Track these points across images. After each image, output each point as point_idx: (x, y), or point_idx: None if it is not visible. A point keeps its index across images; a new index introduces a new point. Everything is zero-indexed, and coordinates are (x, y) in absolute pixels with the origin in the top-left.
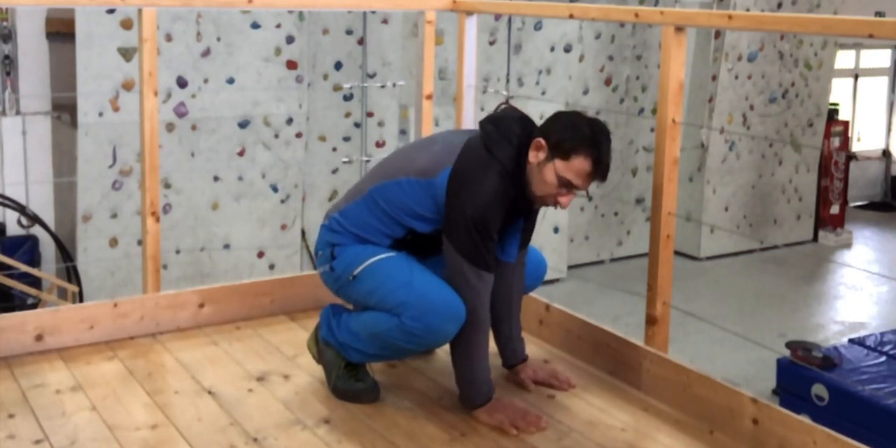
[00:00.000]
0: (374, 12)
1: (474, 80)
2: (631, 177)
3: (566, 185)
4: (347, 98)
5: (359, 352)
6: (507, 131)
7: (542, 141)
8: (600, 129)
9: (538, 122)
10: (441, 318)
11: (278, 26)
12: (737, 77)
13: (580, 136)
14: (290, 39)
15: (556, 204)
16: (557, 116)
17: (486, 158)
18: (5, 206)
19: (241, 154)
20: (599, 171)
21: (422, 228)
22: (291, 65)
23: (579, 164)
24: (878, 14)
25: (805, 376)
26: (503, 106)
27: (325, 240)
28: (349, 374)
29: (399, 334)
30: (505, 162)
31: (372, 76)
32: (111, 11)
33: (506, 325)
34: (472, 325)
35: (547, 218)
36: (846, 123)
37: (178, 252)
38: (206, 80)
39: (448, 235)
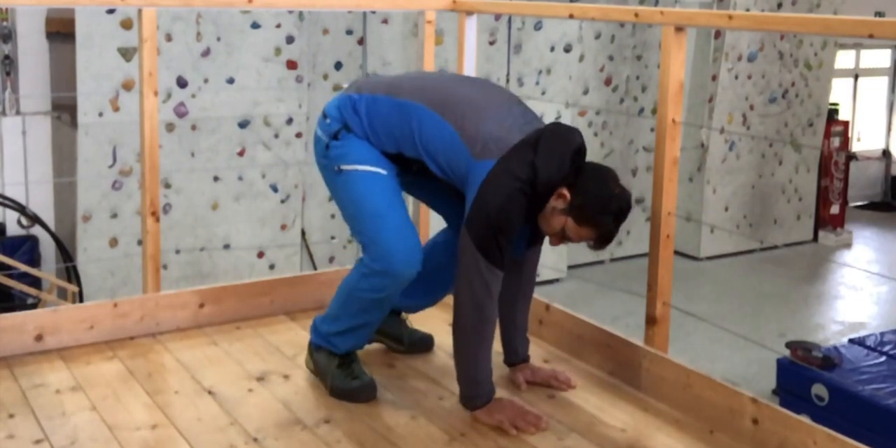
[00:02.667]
0: (374, 12)
1: None
2: (631, 177)
3: (564, 238)
4: None
5: (340, 335)
6: (562, 160)
7: (567, 194)
8: (624, 208)
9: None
10: (400, 264)
11: (278, 26)
12: (737, 77)
13: (603, 212)
14: (290, 39)
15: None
16: (594, 177)
17: (528, 168)
18: (5, 206)
19: (241, 154)
20: (601, 244)
21: (432, 168)
22: (291, 65)
23: (586, 233)
24: (878, 14)
25: (805, 376)
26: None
27: (342, 112)
28: (344, 373)
29: (364, 283)
30: (542, 182)
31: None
32: (111, 11)
33: (510, 321)
34: (480, 323)
35: None
36: (846, 123)
37: (178, 252)
38: (206, 80)
39: (469, 229)
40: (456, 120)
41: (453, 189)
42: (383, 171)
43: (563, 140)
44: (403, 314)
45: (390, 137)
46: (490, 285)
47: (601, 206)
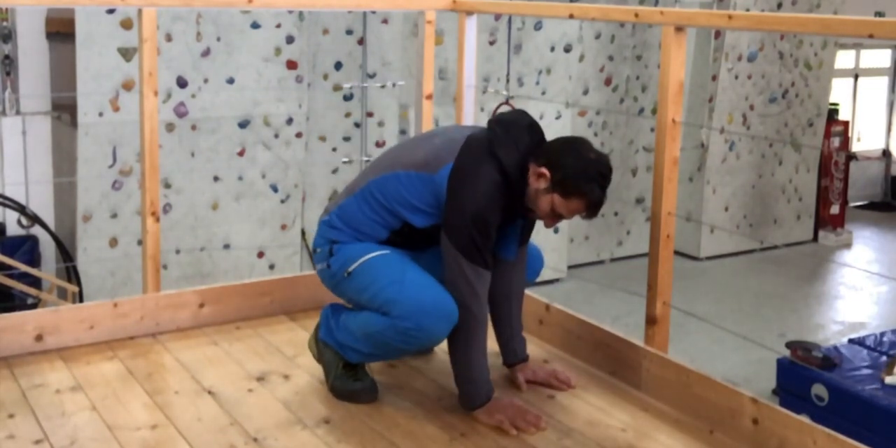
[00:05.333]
0: (374, 12)
1: (474, 80)
2: (631, 177)
3: (557, 216)
4: (347, 98)
5: (356, 351)
6: (517, 137)
7: (546, 172)
8: (605, 172)
9: (537, 119)
10: (431, 318)
11: (278, 26)
12: (737, 77)
13: (586, 180)
14: (290, 39)
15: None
16: (567, 148)
17: (489, 157)
18: (5, 206)
19: (241, 154)
20: (592, 212)
21: (418, 222)
22: (291, 65)
23: (576, 205)
24: (878, 14)
25: (805, 376)
26: (503, 106)
27: (325, 236)
28: (347, 374)
29: (393, 334)
30: (507, 164)
31: (372, 76)
32: (111, 11)
33: (506, 323)
34: (469, 323)
35: None
36: (846, 123)
37: (178, 252)
38: (206, 80)
39: (447, 232)
40: (403, 163)
41: None
42: (387, 251)
43: (510, 122)
44: None
45: (372, 225)
46: (474, 285)
47: (582, 174)
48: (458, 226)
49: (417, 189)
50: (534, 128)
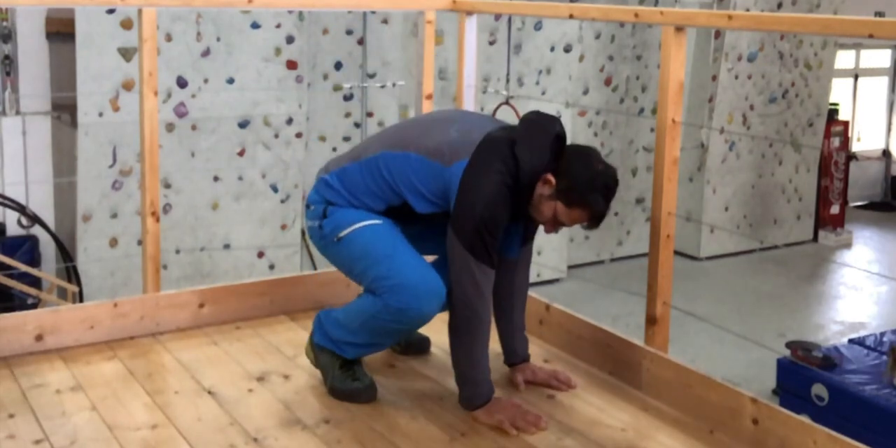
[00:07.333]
0: (374, 12)
1: (474, 80)
2: (631, 177)
3: (558, 224)
4: (347, 98)
5: (352, 345)
6: (541, 144)
7: (552, 179)
8: (611, 184)
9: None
10: (422, 296)
11: (278, 26)
12: (737, 77)
13: (591, 191)
14: (290, 39)
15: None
16: (575, 158)
17: (506, 158)
18: (5, 206)
19: (241, 154)
20: (594, 223)
21: (420, 208)
22: (291, 65)
23: (578, 215)
24: (878, 14)
25: (805, 376)
26: (503, 105)
27: (321, 194)
28: (345, 374)
29: (386, 314)
30: (523, 169)
31: (372, 76)
32: (111, 11)
33: (508, 321)
34: (473, 323)
35: None
36: (846, 123)
37: (178, 252)
38: (206, 80)
39: (455, 229)
40: (416, 146)
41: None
42: (379, 221)
43: (542, 129)
44: None
45: (371, 196)
46: (480, 285)
47: (587, 185)
48: (468, 224)
49: (427, 177)
50: (560, 139)
